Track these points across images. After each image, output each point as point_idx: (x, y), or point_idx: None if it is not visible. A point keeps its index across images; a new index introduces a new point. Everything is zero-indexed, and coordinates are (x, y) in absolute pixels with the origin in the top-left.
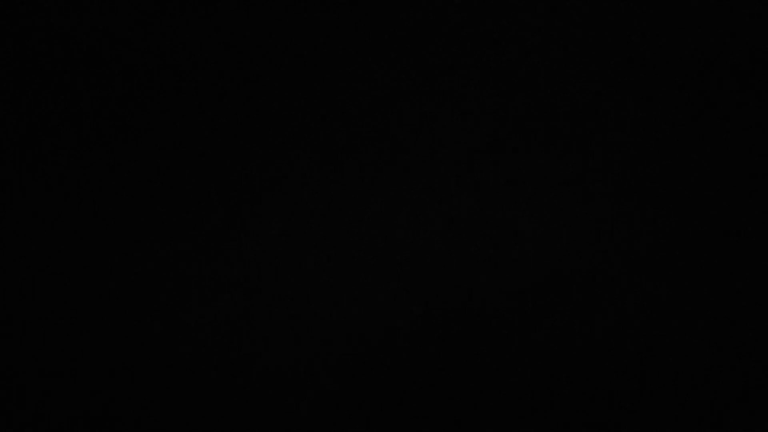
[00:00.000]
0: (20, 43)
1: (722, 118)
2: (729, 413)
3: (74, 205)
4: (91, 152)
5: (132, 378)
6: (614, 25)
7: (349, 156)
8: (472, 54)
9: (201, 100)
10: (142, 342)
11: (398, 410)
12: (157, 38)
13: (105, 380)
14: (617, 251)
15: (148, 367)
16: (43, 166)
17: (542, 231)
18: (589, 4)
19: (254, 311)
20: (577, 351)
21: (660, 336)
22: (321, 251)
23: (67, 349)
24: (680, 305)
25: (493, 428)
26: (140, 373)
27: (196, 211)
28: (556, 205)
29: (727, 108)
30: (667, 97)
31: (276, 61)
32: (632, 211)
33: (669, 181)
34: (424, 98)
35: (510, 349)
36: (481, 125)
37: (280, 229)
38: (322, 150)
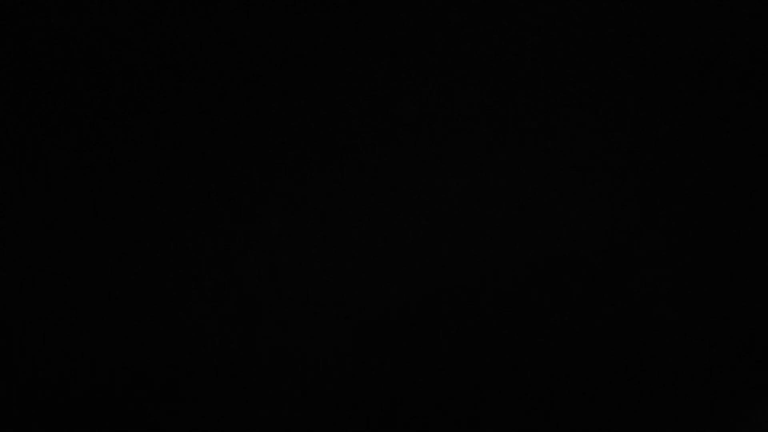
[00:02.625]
0: (20, 43)
1: (741, 104)
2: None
3: (74, 205)
4: (91, 152)
5: (133, 374)
6: (624, 8)
7: (354, 140)
8: (484, 39)
9: (201, 100)
10: (143, 337)
11: (409, 399)
12: (157, 38)
13: (106, 378)
14: (631, 233)
15: (151, 364)
16: (43, 166)
17: (553, 213)
18: None
19: (254, 306)
20: (586, 335)
21: (671, 320)
22: (334, 233)
23: (67, 348)
24: (693, 290)
25: (504, 407)
26: (142, 369)
27: (196, 204)
28: (566, 188)
29: (744, 94)
30: (689, 83)
31: (276, 61)
32: (645, 193)
33: (686, 165)
34: (438, 79)
35: (519, 333)
36: (494, 108)
37: (281, 220)
38: (326, 136)
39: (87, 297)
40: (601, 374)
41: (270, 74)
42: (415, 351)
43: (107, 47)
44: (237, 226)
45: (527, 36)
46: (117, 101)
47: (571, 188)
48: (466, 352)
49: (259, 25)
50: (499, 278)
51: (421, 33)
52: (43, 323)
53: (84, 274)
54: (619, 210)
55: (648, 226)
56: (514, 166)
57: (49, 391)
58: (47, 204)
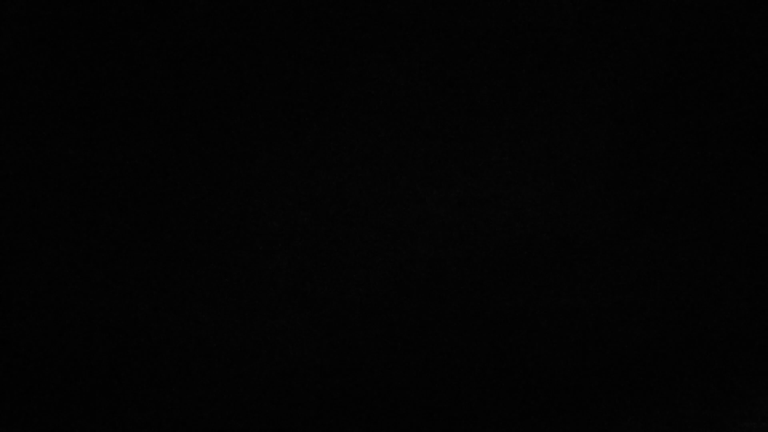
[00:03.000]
0: (20, 43)
1: (709, 95)
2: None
3: (73, 204)
4: (89, 150)
5: (126, 370)
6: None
7: (327, 136)
8: (453, 27)
9: (197, 97)
10: (137, 333)
11: (391, 398)
12: (157, 38)
13: (99, 373)
14: (594, 218)
15: (144, 359)
16: (43, 166)
17: (517, 198)
18: None
19: (248, 303)
20: (550, 320)
21: (634, 307)
22: (306, 230)
23: (66, 348)
24: (657, 274)
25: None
26: (135, 364)
27: (191, 200)
28: (532, 172)
29: (713, 84)
30: (652, 70)
31: (275, 59)
32: (608, 178)
33: (651, 152)
34: (400, 69)
35: (483, 318)
36: (456, 94)
37: (278, 219)
38: (302, 135)
39: (85, 294)
40: (577, 365)
41: (269, 73)
42: (391, 343)
43: (107, 47)
44: (232, 222)
45: (501, 29)
46: (116, 100)
47: (537, 176)
48: (439, 341)
49: (259, 24)
50: (472, 253)
51: (416, 32)
52: (42, 323)
53: (82, 271)
54: (591, 186)
55: (623, 199)
56: (486, 144)
57: (48, 391)
58: (46, 203)
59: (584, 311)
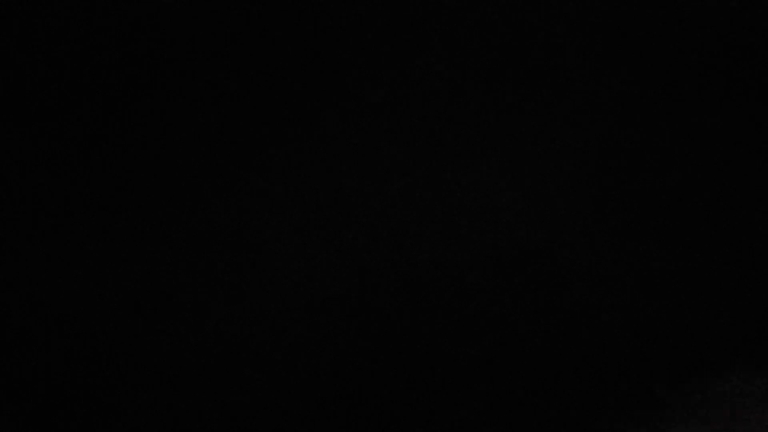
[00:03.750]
0: (20, 45)
1: (701, 102)
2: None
3: (74, 204)
4: (88, 148)
5: (129, 370)
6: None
7: (327, 136)
8: (452, 32)
9: (197, 97)
10: (139, 333)
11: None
12: (156, 37)
13: (102, 372)
14: (591, 220)
15: (143, 358)
16: (42, 166)
17: (515, 201)
18: None
19: (247, 301)
20: (547, 325)
21: (627, 313)
22: (305, 232)
23: (66, 348)
24: (654, 275)
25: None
26: (138, 365)
27: (190, 200)
28: (529, 176)
29: (708, 91)
30: (648, 76)
31: (274, 60)
32: (604, 188)
33: (640, 161)
34: (401, 75)
35: (483, 323)
36: (455, 99)
37: (272, 218)
38: (302, 136)
39: (85, 294)
40: (569, 351)
41: (269, 74)
42: (390, 344)
43: (108, 46)
44: (231, 223)
45: (499, 35)
46: (117, 99)
47: (535, 180)
48: (438, 343)
49: (259, 22)
50: (470, 261)
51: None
52: (41, 323)
53: (82, 271)
54: (586, 194)
55: (617, 209)
56: (483, 152)
57: (48, 391)
58: (45, 203)
59: (581, 313)
